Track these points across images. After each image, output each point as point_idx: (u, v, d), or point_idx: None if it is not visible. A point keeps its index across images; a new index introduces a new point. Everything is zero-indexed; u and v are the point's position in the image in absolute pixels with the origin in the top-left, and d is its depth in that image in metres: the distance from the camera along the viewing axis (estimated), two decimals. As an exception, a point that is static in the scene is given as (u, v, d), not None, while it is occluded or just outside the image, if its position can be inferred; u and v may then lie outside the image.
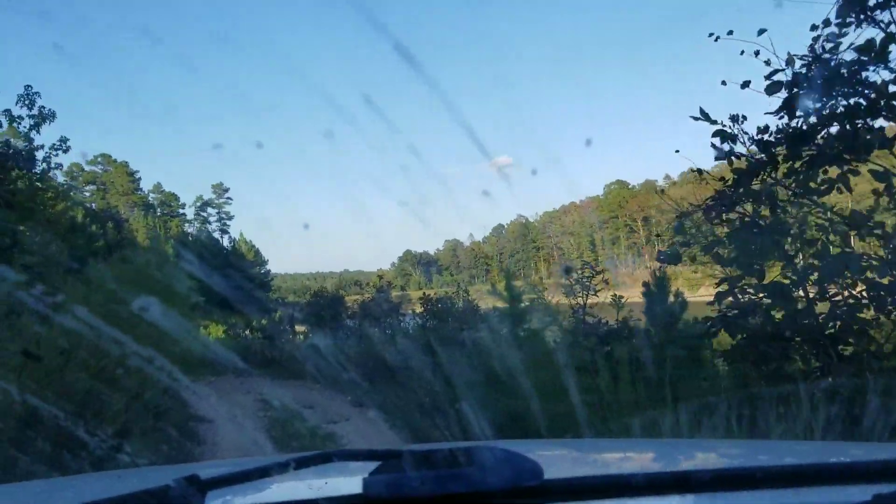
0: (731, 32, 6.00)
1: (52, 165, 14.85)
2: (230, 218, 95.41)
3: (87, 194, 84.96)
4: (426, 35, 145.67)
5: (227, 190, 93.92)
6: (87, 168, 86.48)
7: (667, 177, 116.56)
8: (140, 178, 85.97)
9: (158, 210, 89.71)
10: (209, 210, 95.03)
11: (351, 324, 16.80)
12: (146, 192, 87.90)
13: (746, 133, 5.97)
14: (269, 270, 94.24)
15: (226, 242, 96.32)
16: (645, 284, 9.07)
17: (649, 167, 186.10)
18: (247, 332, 19.05)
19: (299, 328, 19.29)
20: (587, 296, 9.37)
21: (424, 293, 15.92)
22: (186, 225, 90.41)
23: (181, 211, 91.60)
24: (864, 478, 1.07)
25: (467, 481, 0.98)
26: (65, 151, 14.60)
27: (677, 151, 6.48)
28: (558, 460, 1.85)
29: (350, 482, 1.06)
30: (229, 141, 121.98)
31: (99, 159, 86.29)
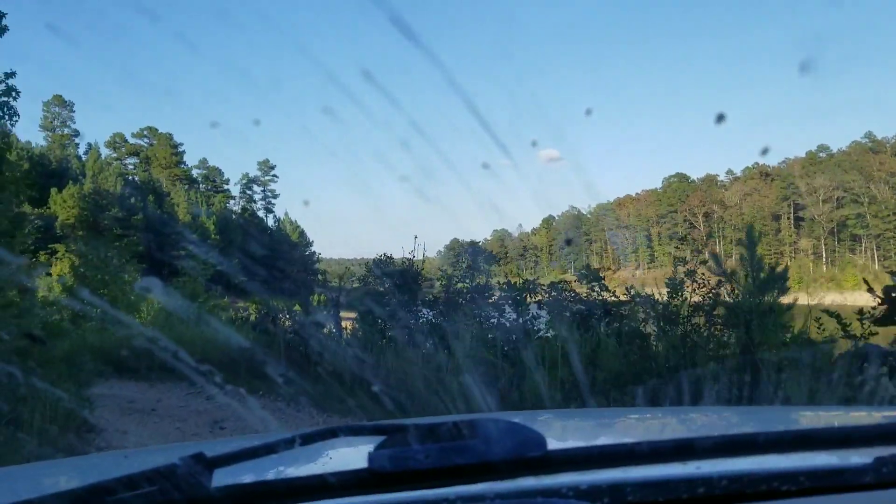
0: None
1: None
2: (275, 196, 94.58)
3: (130, 167, 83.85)
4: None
5: (273, 167, 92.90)
6: (131, 140, 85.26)
7: (729, 171, 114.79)
8: (184, 152, 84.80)
9: (202, 185, 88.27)
10: (254, 188, 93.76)
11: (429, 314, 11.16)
12: (189, 167, 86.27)
13: None
14: (314, 252, 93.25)
15: (270, 222, 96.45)
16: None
17: (710, 161, 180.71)
18: (275, 319, 13.49)
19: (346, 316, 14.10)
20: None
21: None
22: (231, 202, 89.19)
23: (225, 187, 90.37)
24: (866, 441, 1.09)
25: (471, 453, 0.99)
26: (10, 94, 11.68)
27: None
28: (561, 430, 1.89)
29: (356, 457, 1.06)
30: (274, 119, 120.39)
31: (145, 132, 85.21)
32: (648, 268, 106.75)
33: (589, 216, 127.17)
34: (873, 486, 1.02)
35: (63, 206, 60.27)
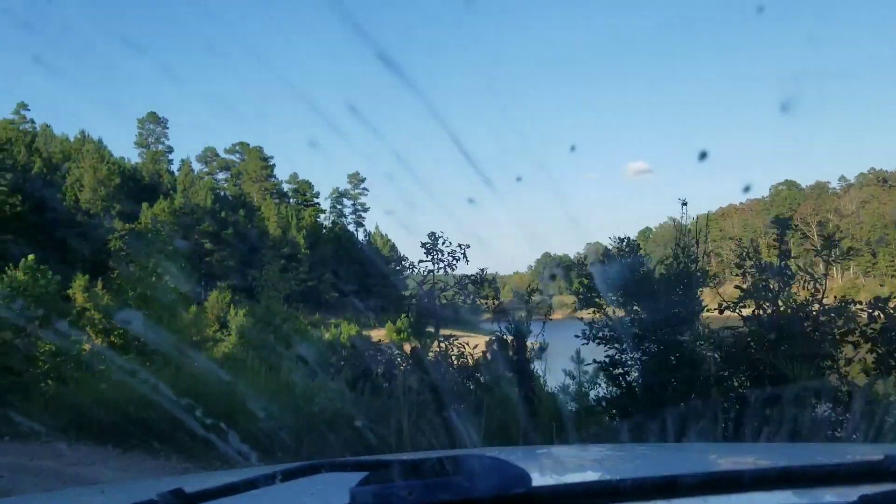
0: None
1: None
2: (365, 210, 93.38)
3: (222, 181, 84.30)
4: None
5: (363, 180, 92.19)
6: (222, 156, 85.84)
7: (842, 178, 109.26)
8: (274, 165, 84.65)
9: (292, 199, 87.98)
10: (344, 201, 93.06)
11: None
12: (280, 181, 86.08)
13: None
14: (406, 267, 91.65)
15: (360, 236, 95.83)
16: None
17: (819, 168, 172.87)
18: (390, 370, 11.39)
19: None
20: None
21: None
22: (321, 216, 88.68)
23: (315, 201, 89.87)
24: (851, 479, 1.10)
25: (455, 489, 0.98)
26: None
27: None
28: (546, 467, 1.89)
29: (338, 493, 1.06)
30: (360, 131, 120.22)
31: (236, 147, 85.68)
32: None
33: (690, 227, 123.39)
34: None
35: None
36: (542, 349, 7.82)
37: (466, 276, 10.58)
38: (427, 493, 0.96)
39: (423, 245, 10.25)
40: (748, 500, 1.12)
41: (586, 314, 7.44)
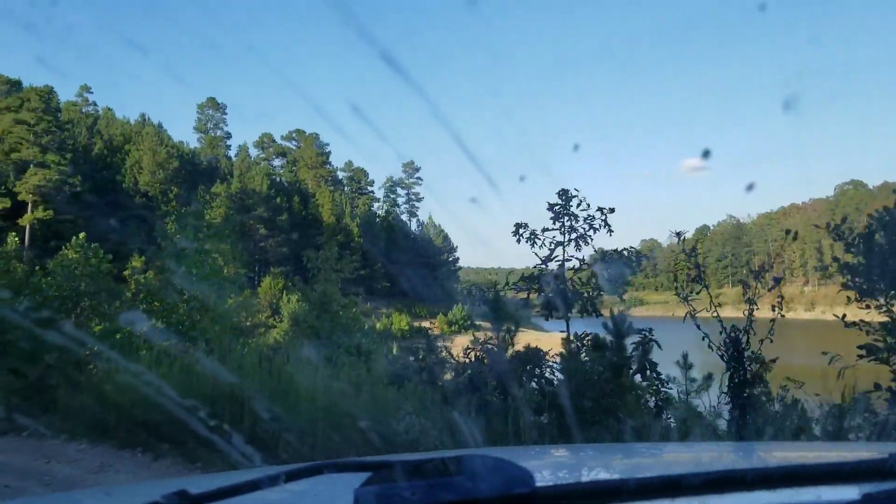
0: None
1: None
2: (419, 199, 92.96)
3: (278, 167, 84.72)
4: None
5: (417, 169, 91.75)
6: (279, 142, 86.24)
7: None
8: (330, 153, 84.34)
9: (346, 187, 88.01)
10: (398, 190, 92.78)
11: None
12: (335, 168, 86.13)
13: None
14: (458, 258, 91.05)
15: (413, 226, 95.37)
16: None
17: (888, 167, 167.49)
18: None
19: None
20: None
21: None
22: (375, 205, 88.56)
23: (370, 189, 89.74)
24: (854, 477, 1.10)
25: (458, 490, 0.97)
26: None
27: None
28: (548, 467, 1.87)
29: (341, 494, 1.06)
30: (418, 121, 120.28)
31: (293, 135, 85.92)
32: (819, 283, 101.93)
33: (751, 226, 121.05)
34: None
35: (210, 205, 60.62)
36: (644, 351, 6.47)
37: (606, 250, 8.48)
38: (430, 493, 0.95)
39: (552, 207, 8.06)
40: (752, 498, 1.10)
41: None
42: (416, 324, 56.23)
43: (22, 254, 27.59)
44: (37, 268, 14.73)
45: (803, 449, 2.48)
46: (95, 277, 13.64)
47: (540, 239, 8.12)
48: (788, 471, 1.10)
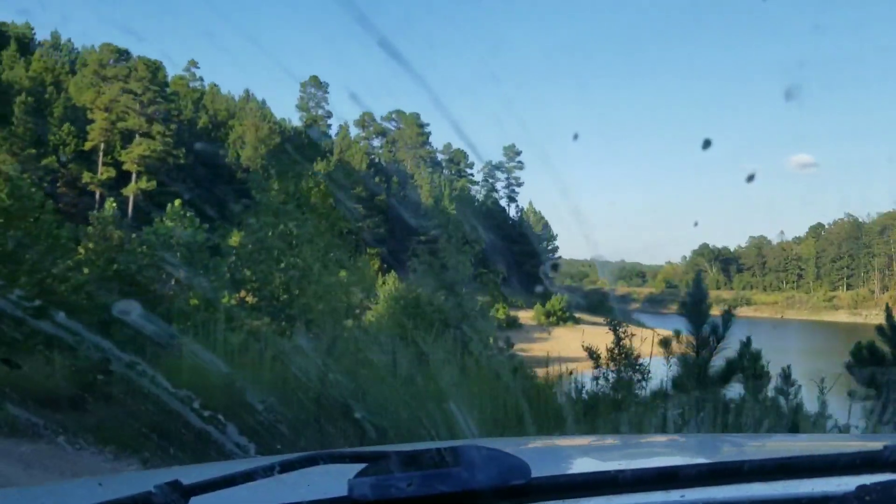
0: None
1: None
2: (520, 185, 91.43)
3: (377, 147, 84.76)
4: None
5: (519, 153, 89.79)
6: (379, 122, 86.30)
7: None
8: (430, 133, 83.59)
9: (445, 170, 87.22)
10: (497, 174, 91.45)
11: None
12: (434, 149, 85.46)
13: None
14: (557, 247, 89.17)
15: (512, 212, 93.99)
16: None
17: None
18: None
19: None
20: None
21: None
22: (474, 188, 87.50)
23: (469, 171, 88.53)
24: (849, 469, 1.08)
25: (454, 481, 0.97)
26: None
27: None
28: (545, 458, 1.87)
29: (336, 484, 1.07)
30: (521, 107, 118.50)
31: (393, 115, 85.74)
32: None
33: (872, 225, 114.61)
34: None
35: (308, 182, 60.84)
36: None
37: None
38: (425, 484, 0.96)
39: None
40: (748, 490, 1.10)
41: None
42: (512, 313, 54.78)
43: (121, 221, 27.56)
44: (133, 235, 14.11)
45: (799, 440, 2.44)
46: (191, 247, 12.81)
47: None
48: (784, 463, 1.08)
